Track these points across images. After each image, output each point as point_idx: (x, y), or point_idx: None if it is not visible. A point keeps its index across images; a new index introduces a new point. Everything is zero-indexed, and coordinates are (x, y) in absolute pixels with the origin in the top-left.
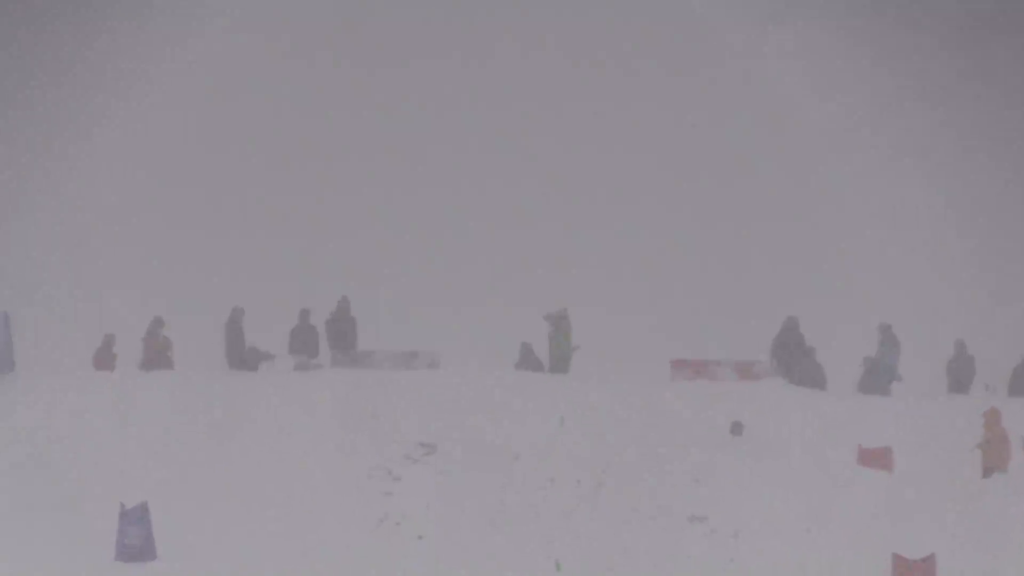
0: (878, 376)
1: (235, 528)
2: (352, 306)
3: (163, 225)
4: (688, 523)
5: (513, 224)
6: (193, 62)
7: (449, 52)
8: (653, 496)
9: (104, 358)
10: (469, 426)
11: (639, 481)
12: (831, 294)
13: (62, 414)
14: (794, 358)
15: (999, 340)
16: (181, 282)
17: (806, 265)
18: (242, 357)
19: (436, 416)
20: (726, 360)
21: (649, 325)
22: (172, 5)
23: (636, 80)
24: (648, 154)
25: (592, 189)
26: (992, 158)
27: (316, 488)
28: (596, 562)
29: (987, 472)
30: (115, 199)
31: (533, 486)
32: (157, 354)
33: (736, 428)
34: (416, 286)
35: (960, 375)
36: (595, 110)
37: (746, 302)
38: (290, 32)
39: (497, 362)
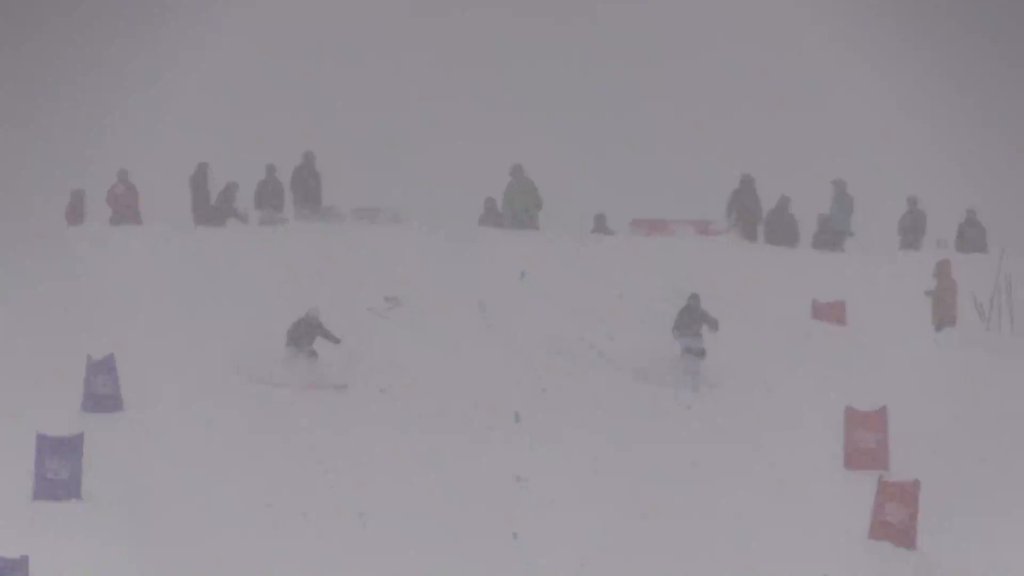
0: (831, 232)
1: (201, 377)
2: (317, 161)
3: (132, 81)
4: (645, 377)
5: (479, 80)
6: None
7: None
8: (612, 344)
9: (74, 213)
10: (432, 280)
11: (599, 331)
12: (786, 152)
13: (32, 270)
14: (753, 215)
15: (951, 197)
16: (149, 137)
17: (762, 124)
18: (207, 212)
19: (400, 270)
20: (683, 220)
21: (608, 184)
22: None
23: None
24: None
25: (559, 46)
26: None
27: (281, 341)
28: (557, 411)
29: (937, 325)
30: (83, 54)
31: (495, 338)
32: (123, 208)
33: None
34: (380, 141)
35: (911, 231)
36: None
37: (704, 161)
38: None
39: (460, 217)
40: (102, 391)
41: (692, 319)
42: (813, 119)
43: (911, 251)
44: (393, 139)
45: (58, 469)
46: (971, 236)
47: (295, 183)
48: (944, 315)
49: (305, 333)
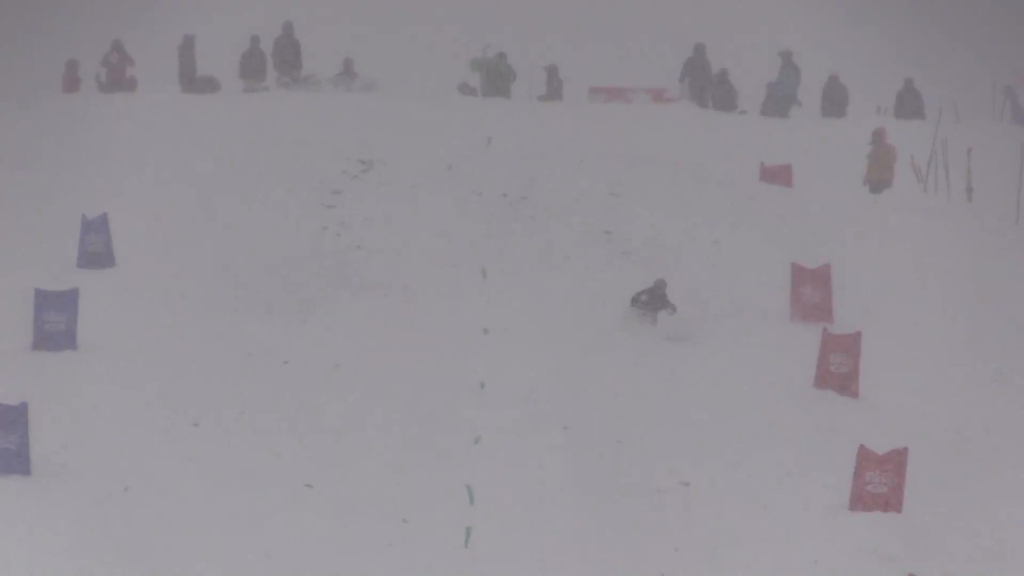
0: (778, 100)
1: (189, 236)
2: (295, 30)
3: None
4: (604, 235)
5: None
6: None
7: None
8: (571, 209)
9: (70, 81)
10: (404, 144)
11: (560, 196)
12: (737, 23)
13: (30, 135)
14: (704, 82)
15: (890, 66)
16: (138, 9)
17: None
18: (193, 82)
19: (373, 135)
20: (640, 87)
21: (571, 55)
22: None
23: None
24: None
25: None
26: None
27: (262, 200)
28: (517, 265)
29: (875, 187)
30: None
31: (462, 199)
32: (117, 75)
33: None
34: (358, 10)
35: (834, 103)
36: None
37: (658, 31)
38: None
39: (433, 87)
40: (96, 249)
41: (653, 301)
42: None
43: (845, 119)
44: (371, 9)
45: (55, 321)
46: (909, 103)
47: (276, 53)
48: (880, 177)
49: None
